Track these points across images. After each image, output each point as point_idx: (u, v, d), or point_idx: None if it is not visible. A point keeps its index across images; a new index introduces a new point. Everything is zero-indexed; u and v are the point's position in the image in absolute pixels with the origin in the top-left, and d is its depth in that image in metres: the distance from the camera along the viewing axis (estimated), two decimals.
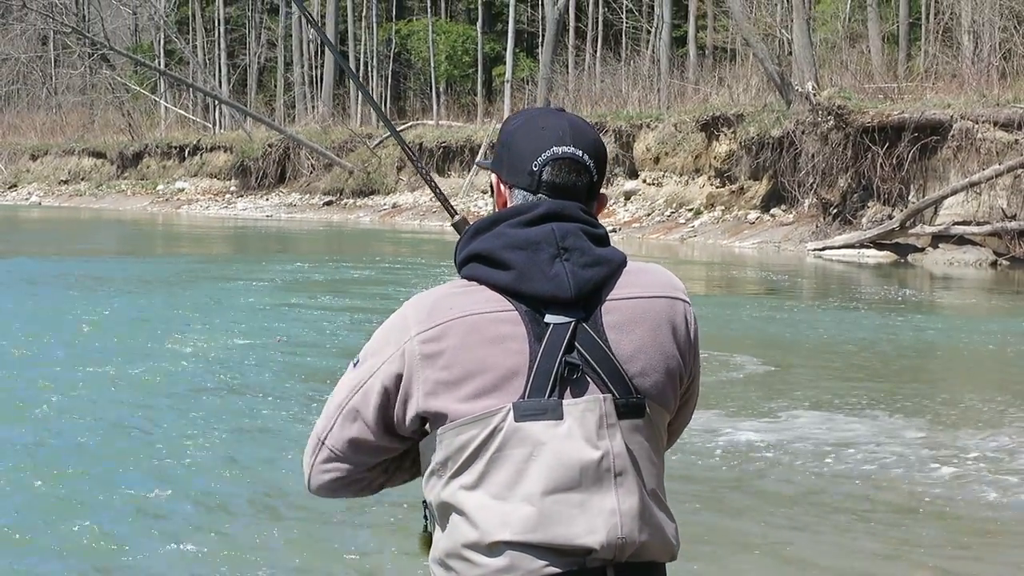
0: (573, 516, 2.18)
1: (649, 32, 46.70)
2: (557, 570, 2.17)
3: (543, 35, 46.03)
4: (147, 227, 39.30)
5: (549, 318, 2.24)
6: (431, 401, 2.23)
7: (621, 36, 49.07)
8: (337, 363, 11.46)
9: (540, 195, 2.32)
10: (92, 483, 7.27)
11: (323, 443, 2.36)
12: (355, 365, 2.35)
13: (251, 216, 42.64)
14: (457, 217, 2.61)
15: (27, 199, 55.04)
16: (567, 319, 2.24)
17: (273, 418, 9.21)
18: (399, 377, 2.26)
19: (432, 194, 2.65)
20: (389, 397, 2.28)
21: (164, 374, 10.75)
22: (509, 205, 2.35)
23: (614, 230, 31.89)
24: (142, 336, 12.87)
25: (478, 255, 2.29)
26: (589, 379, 2.23)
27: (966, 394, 10.78)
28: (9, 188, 57.81)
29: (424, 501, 2.36)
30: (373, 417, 2.30)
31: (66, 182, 56.37)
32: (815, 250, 26.09)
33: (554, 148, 2.32)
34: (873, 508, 7.13)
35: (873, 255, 25.17)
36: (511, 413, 2.20)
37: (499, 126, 2.52)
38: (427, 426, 2.29)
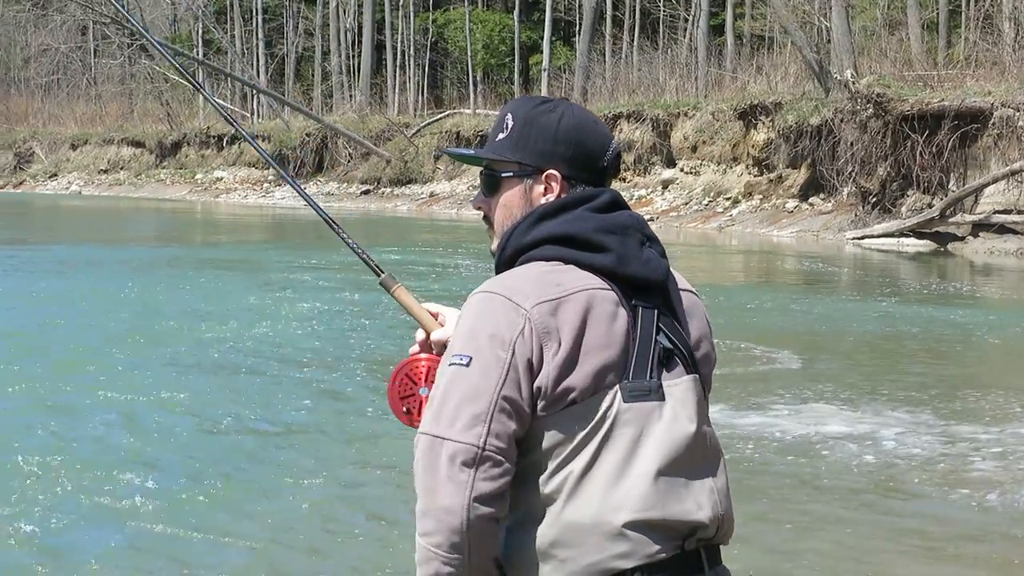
0: (682, 494, 2.21)
1: (686, 20, 46.55)
2: (666, 555, 2.17)
3: (580, 23, 45.95)
4: (187, 216, 39.53)
5: (635, 301, 2.26)
6: (558, 378, 2.17)
7: (658, 24, 48.95)
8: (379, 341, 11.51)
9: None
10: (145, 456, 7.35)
11: (483, 450, 2.14)
12: (465, 362, 2.18)
13: (289, 205, 42.81)
14: (384, 275, 2.54)
15: (67, 188, 55.53)
16: (650, 304, 2.27)
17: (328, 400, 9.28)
18: (532, 352, 2.16)
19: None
20: (532, 376, 2.17)
21: (208, 354, 10.85)
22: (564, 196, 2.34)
23: (651, 219, 31.83)
24: (197, 318, 12.99)
25: (563, 237, 2.27)
26: (679, 361, 2.27)
27: (1003, 388, 10.69)
28: (50, 177, 58.34)
29: None
30: (528, 401, 2.17)
31: (106, 171, 56.82)
32: (854, 239, 25.94)
33: (612, 142, 2.38)
34: (900, 502, 7.10)
35: (913, 244, 25.00)
36: (619, 393, 2.20)
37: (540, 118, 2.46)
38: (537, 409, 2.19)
